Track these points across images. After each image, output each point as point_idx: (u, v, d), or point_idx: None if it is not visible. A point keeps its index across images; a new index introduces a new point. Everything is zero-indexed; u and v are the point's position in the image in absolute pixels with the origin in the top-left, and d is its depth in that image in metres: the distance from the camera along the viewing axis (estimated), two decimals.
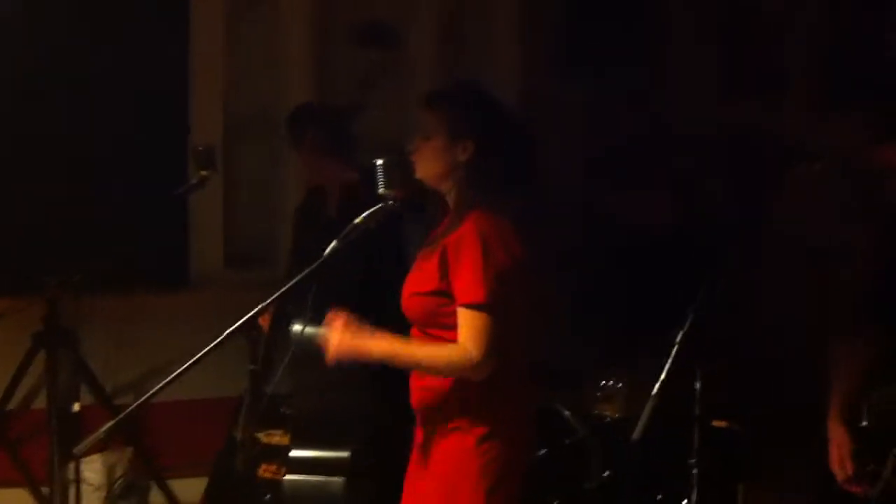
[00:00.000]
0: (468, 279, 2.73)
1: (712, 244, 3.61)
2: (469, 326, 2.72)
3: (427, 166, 2.86)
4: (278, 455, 3.48)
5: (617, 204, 4.71)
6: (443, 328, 2.81)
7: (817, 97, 4.38)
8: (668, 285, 3.60)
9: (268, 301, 2.77)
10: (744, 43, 4.77)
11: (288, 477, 3.24)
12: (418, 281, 2.84)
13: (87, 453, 3.94)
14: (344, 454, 3.23)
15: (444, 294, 2.78)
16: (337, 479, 3.21)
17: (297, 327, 2.90)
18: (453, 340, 2.77)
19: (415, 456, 2.96)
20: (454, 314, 2.76)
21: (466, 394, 2.81)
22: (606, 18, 4.96)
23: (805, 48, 4.40)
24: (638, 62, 4.95)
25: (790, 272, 4.18)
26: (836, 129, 4.09)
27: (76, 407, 3.74)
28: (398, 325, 2.94)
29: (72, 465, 3.79)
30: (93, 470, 4.18)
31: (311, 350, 3.18)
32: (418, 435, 2.95)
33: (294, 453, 3.29)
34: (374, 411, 3.08)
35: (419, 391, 2.89)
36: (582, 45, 4.98)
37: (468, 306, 2.73)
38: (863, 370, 2.92)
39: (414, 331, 2.91)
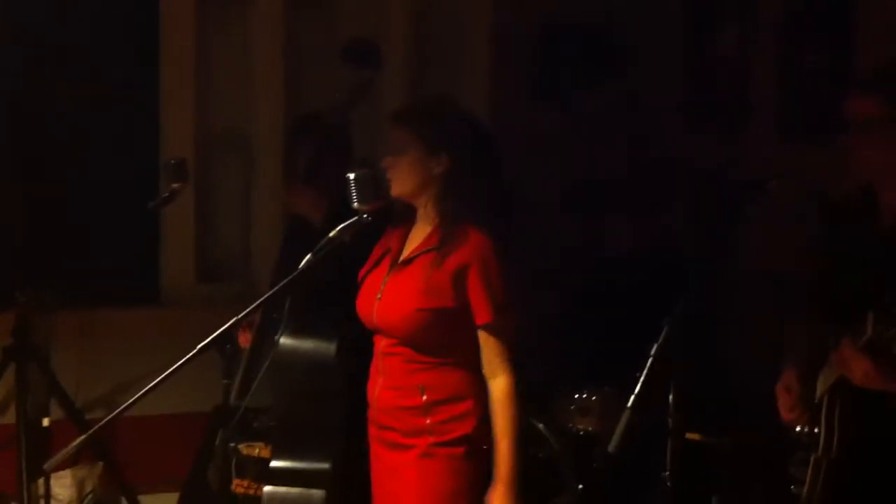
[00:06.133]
0: (490, 300, 2.80)
1: (676, 273, 3.65)
2: (494, 348, 2.81)
3: (403, 182, 2.88)
4: (251, 470, 3.46)
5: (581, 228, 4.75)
6: (435, 345, 2.85)
7: (779, 130, 4.44)
8: (642, 300, 3.62)
9: (241, 314, 2.77)
10: (707, 75, 4.83)
11: (267, 488, 3.22)
12: (422, 297, 2.82)
13: (57, 469, 3.89)
14: (325, 465, 3.22)
15: (452, 312, 2.82)
16: (317, 492, 3.20)
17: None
18: (442, 357, 2.84)
19: (382, 463, 2.95)
20: (454, 331, 2.83)
21: (437, 395, 2.84)
22: (575, 48, 5.01)
23: (764, 82, 4.46)
24: (605, 91, 5.00)
25: (753, 300, 4.21)
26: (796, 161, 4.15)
27: (46, 422, 3.70)
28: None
29: (41, 481, 3.75)
30: (62, 486, 4.13)
31: (291, 359, 3.20)
32: (377, 443, 2.96)
33: (274, 464, 3.26)
34: (353, 423, 3.07)
35: (386, 391, 2.89)
36: (551, 74, 5.01)
37: (491, 326, 2.80)
38: (814, 347, 2.99)
39: (387, 345, 2.91)
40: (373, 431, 2.97)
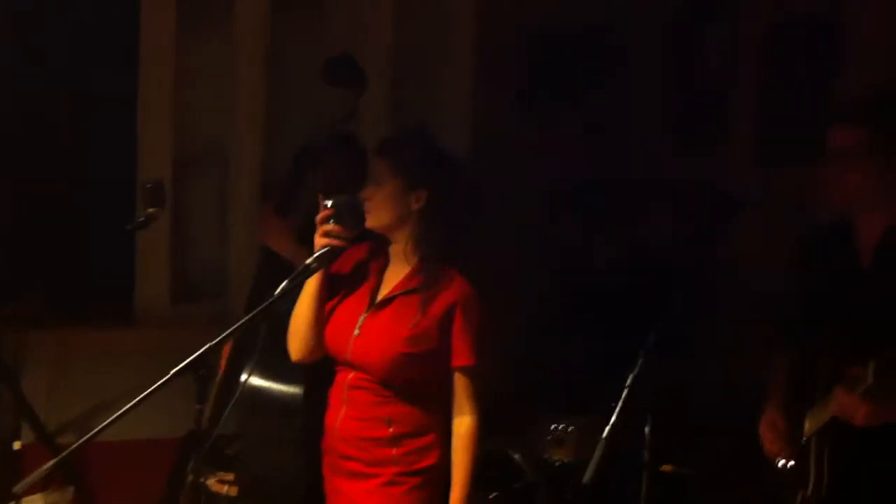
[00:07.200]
0: (472, 343, 2.84)
1: (660, 288, 3.65)
2: (467, 389, 2.85)
3: (380, 214, 2.88)
4: (221, 501, 3.42)
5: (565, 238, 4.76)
6: (408, 382, 2.86)
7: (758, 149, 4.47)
8: (621, 328, 3.62)
9: (216, 340, 2.74)
10: (690, 93, 4.86)
11: None
12: (407, 342, 2.83)
13: (27, 493, 3.84)
14: None
15: (433, 353, 2.84)
16: None
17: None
18: (410, 391, 2.85)
19: (341, 494, 2.94)
20: (429, 370, 2.85)
21: (403, 428, 2.85)
22: (559, 58, 5.02)
23: (746, 101, 4.49)
24: (589, 101, 5.02)
25: (737, 318, 4.22)
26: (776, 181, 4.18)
27: (17, 445, 3.65)
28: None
29: None
30: None
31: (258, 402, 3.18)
32: (335, 471, 2.94)
33: None
34: (317, 467, 3.05)
35: (350, 421, 2.88)
36: (534, 83, 5.02)
37: (468, 369, 2.84)
38: (795, 381, 3.02)
39: (355, 378, 2.89)
40: (331, 460, 2.95)
